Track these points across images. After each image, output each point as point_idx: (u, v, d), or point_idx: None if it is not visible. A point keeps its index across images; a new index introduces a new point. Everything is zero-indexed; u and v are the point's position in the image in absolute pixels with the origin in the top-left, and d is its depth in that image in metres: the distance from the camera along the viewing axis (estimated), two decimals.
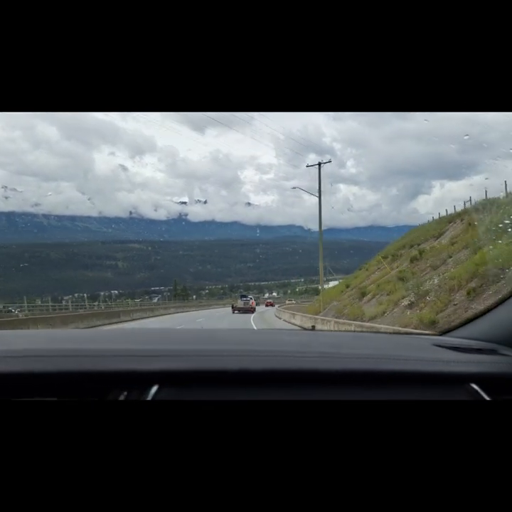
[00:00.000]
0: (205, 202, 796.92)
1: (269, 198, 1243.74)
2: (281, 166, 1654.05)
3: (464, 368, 0.93)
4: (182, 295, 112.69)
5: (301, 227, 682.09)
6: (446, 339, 1.29)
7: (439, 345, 1.12)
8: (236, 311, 36.16)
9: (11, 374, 0.76)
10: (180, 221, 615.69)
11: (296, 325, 19.99)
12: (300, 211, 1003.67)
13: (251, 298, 41.88)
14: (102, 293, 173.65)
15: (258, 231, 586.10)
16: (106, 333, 1.36)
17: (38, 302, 55.54)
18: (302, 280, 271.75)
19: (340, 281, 41.16)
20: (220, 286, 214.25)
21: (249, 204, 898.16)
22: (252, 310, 36.56)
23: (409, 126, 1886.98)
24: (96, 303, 65.66)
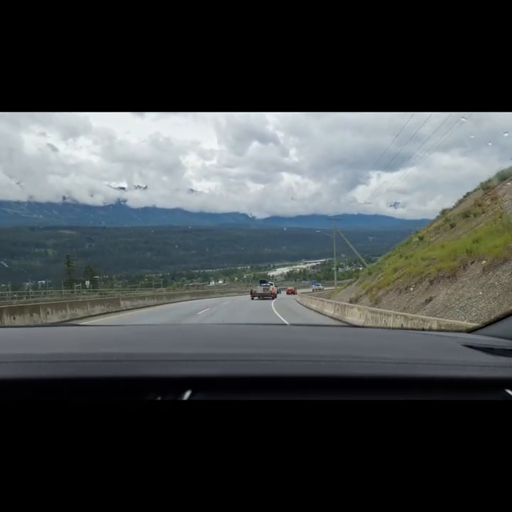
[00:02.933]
0: (146, 187, 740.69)
1: (213, 185, 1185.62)
2: (223, 153, 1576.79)
3: (497, 373, 0.89)
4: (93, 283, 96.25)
5: (245, 215, 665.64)
6: (476, 338, 1.26)
7: (470, 346, 1.09)
8: (255, 298, 34.49)
9: (44, 379, 0.75)
10: (118, 207, 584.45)
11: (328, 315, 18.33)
12: (244, 199, 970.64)
13: (271, 283, 39.64)
14: (28, 283, 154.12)
15: (202, 218, 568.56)
16: (123, 332, 1.34)
17: None
18: (249, 267, 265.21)
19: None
20: (160, 274, 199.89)
21: (192, 190, 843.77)
22: (272, 296, 34.80)
23: (348, 117, 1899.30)
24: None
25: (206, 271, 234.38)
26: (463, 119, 28.56)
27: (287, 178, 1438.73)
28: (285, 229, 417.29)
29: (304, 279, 58.75)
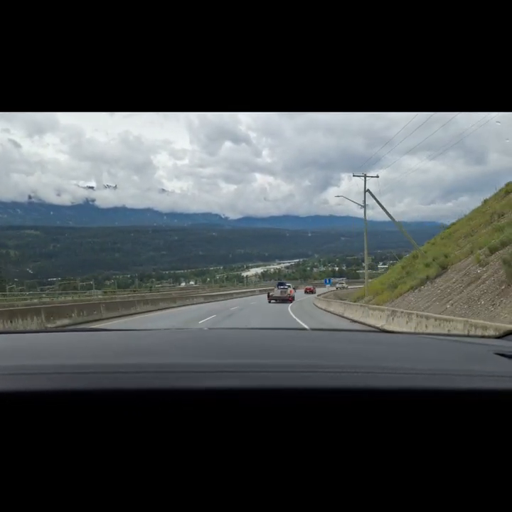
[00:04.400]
0: (115, 187, 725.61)
1: (185, 185, 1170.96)
2: (196, 153, 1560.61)
3: None
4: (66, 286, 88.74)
5: (218, 215, 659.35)
6: (508, 344, 1.21)
7: (503, 354, 1.04)
8: (272, 301, 33.03)
9: (89, 391, 0.74)
10: (87, 207, 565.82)
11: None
12: (217, 199, 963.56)
13: (289, 285, 37.32)
14: None
15: (173, 218, 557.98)
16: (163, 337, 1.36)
17: None
18: (221, 267, 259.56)
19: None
20: (128, 275, 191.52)
21: (163, 190, 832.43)
22: (290, 299, 33.43)
23: (320, 118, 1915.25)
24: None
25: (177, 272, 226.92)
26: (498, 123, 27.41)
27: (260, 179, 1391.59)
28: (258, 229, 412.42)
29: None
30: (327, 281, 52.02)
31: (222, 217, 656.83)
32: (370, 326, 13.90)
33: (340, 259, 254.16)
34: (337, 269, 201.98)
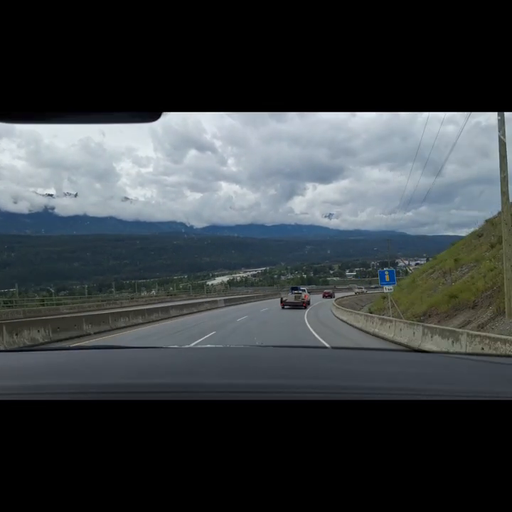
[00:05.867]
0: (76, 195, 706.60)
1: (149, 193, 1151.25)
2: (160, 160, 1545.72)
3: None
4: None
5: (183, 224, 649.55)
6: None
7: None
8: (286, 306, 32.22)
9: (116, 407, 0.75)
10: (46, 215, 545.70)
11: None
12: (182, 207, 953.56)
13: (304, 290, 35.67)
14: None
15: (137, 227, 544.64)
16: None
17: None
18: (186, 276, 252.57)
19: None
20: (86, 285, 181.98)
21: (126, 198, 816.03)
22: (304, 305, 32.35)
23: (284, 128, 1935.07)
24: None
25: (139, 281, 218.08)
26: None
27: (226, 188, 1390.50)
28: (224, 237, 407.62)
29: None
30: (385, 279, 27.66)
31: (188, 225, 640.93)
32: None
33: (308, 266, 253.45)
34: (305, 276, 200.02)
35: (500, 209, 12.63)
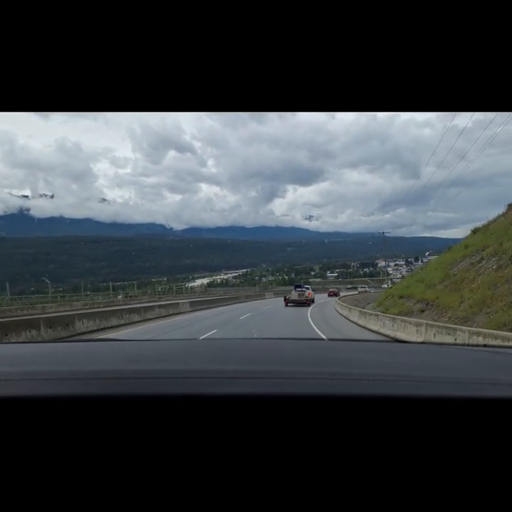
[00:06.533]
0: (52, 196, 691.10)
1: (127, 194, 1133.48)
2: (139, 161, 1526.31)
3: None
4: None
5: (162, 226, 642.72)
6: None
7: None
8: (290, 304, 32.28)
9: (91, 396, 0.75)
10: (21, 217, 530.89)
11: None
12: (161, 209, 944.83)
13: (308, 288, 36.12)
14: None
15: (115, 228, 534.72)
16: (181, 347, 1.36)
17: None
18: (165, 279, 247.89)
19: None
20: (61, 288, 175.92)
21: (104, 200, 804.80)
22: (307, 302, 32.23)
23: (264, 130, 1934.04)
24: None
25: (116, 283, 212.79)
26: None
27: (206, 189, 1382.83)
28: (204, 239, 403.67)
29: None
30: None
31: (167, 227, 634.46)
32: None
33: (289, 268, 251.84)
34: (286, 277, 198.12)
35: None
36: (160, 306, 23.99)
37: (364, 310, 18.47)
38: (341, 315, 21.99)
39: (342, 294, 51.08)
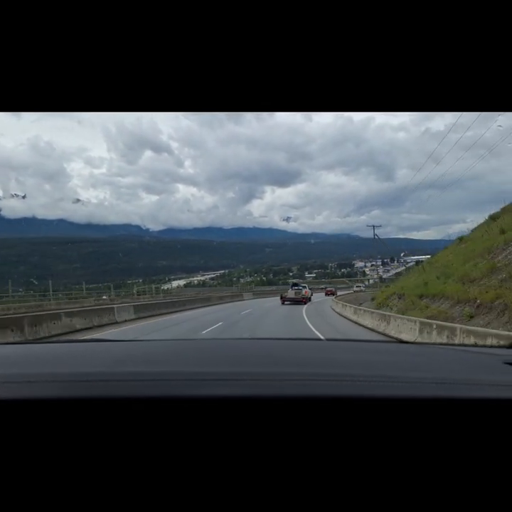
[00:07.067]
0: (24, 196, 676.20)
1: (102, 195, 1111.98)
2: (114, 161, 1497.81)
3: None
4: None
5: (138, 227, 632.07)
6: None
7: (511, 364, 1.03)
8: (287, 302, 32.90)
9: (74, 398, 0.74)
10: None
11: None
12: (137, 210, 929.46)
13: (305, 286, 36.76)
14: None
15: (89, 229, 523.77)
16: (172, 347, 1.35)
17: None
18: (141, 280, 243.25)
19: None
20: (31, 292, 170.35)
21: (78, 200, 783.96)
22: (303, 300, 32.67)
23: (242, 131, 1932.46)
24: None
25: (90, 286, 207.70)
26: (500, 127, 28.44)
27: (183, 190, 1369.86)
28: (181, 240, 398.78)
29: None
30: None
31: (143, 228, 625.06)
32: None
33: (267, 269, 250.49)
34: (265, 278, 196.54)
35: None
36: (71, 312, 14.81)
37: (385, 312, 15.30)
38: (342, 316, 20.26)
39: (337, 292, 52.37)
